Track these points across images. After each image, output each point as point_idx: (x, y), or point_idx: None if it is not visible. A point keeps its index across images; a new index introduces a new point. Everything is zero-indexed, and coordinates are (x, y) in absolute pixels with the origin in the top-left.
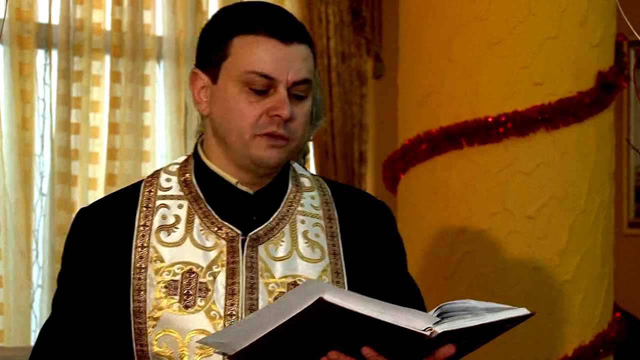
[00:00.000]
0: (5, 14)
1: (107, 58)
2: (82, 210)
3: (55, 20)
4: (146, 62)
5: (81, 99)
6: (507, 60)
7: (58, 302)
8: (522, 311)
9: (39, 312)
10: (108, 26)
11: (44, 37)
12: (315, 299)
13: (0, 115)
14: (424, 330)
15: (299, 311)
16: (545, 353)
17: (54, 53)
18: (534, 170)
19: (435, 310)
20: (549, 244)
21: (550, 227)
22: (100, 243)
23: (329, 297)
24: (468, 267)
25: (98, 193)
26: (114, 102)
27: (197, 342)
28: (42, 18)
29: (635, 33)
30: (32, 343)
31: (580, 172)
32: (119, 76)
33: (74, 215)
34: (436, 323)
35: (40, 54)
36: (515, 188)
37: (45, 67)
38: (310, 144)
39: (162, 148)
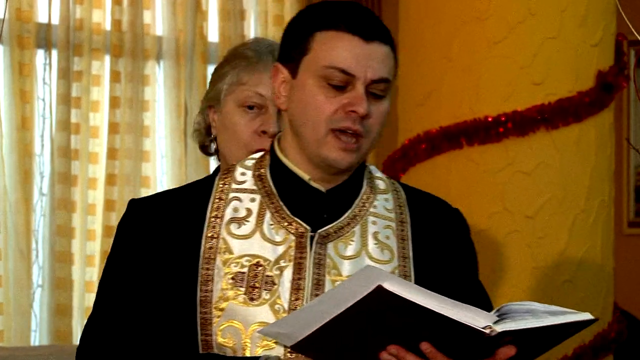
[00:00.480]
0: (5, 14)
1: (107, 58)
2: (138, 200)
3: (55, 20)
4: (146, 62)
5: (81, 98)
6: (507, 60)
7: (113, 293)
8: (586, 316)
9: (39, 312)
10: (108, 26)
11: (44, 37)
12: (375, 287)
13: (0, 115)
14: (484, 328)
15: (358, 299)
16: (546, 353)
17: (54, 53)
18: (533, 170)
19: (496, 311)
20: (549, 244)
21: (550, 227)
22: (170, 233)
23: (388, 286)
24: None
25: (98, 193)
26: (114, 102)
27: (257, 332)
28: (42, 18)
29: (635, 33)
30: (32, 343)
31: (580, 172)
32: (118, 76)
33: (73, 215)
34: (496, 322)
35: (40, 53)
36: (515, 188)
37: (45, 67)
38: None
39: (162, 148)
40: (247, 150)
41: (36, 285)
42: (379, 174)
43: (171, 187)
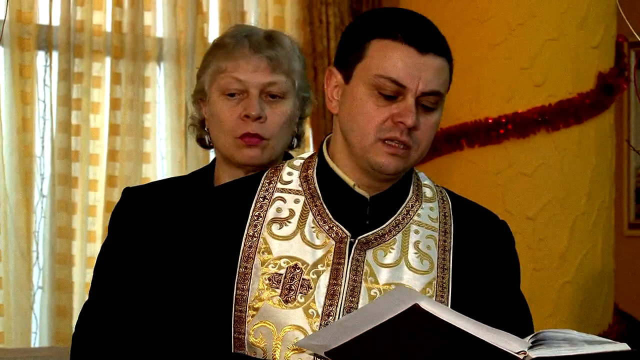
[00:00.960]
0: (5, 16)
1: (108, 59)
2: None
3: (56, 22)
4: (146, 63)
5: (81, 100)
6: (508, 62)
7: (158, 287)
8: (623, 346)
9: (39, 313)
10: (108, 28)
11: (45, 39)
12: (411, 305)
13: (0, 116)
14: (518, 353)
15: (394, 315)
16: None
17: (55, 54)
18: (534, 171)
19: (532, 336)
20: (550, 245)
21: (550, 229)
22: (212, 230)
23: (424, 305)
24: None
25: (98, 195)
26: (115, 104)
27: (294, 344)
28: (43, 19)
29: (636, 34)
30: (32, 345)
31: (581, 174)
32: (119, 78)
33: (74, 217)
34: (531, 348)
35: (41, 55)
36: (515, 189)
37: (45, 68)
38: (310, 132)
39: (163, 149)
40: (232, 136)
41: (36, 287)
42: (427, 181)
43: None
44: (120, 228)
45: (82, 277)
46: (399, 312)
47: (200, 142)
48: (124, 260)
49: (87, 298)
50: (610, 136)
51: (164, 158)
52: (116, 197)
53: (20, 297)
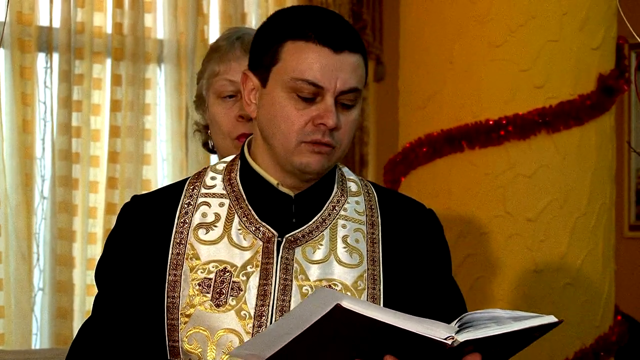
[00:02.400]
0: (6, 17)
1: (108, 61)
2: (129, 202)
3: (56, 24)
4: (147, 65)
5: (82, 102)
6: (508, 63)
7: (99, 298)
8: (550, 319)
9: (40, 315)
10: (109, 29)
11: (45, 40)
12: (333, 306)
13: (1, 118)
14: (445, 338)
15: (318, 318)
16: (547, 356)
17: (55, 56)
18: (534, 173)
19: (458, 320)
20: (550, 247)
21: (551, 230)
22: (142, 237)
23: (347, 304)
24: (469, 270)
25: (99, 196)
26: (115, 105)
27: (229, 354)
28: (43, 21)
29: (636, 36)
30: (33, 346)
31: (581, 175)
32: (119, 79)
33: (74, 219)
34: (458, 332)
35: (41, 57)
36: (516, 191)
37: (46, 70)
38: None
39: (163, 151)
40: (230, 138)
41: (37, 289)
42: (352, 176)
43: None
44: (111, 245)
45: (82, 279)
46: (322, 314)
47: (206, 146)
48: (111, 278)
49: (87, 300)
50: (611, 138)
51: (164, 160)
52: (117, 199)
53: (21, 298)
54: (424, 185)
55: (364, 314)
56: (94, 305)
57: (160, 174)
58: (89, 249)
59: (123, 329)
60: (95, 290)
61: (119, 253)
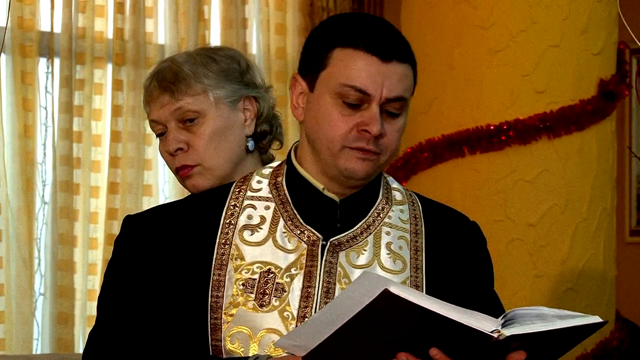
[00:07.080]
0: (7, 23)
1: (109, 66)
2: (134, 216)
3: (58, 29)
4: (148, 70)
5: (83, 107)
6: (509, 69)
7: (120, 304)
8: (595, 319)
9: (41, 320)
10: (110, 34)
11: (46, 46)
12: (381, 291)
13: (2, 123)
14: (492, 332)
15: (365, 305)
16: None
17: (56, 61)
18: (535, 178)
19: (503, 316)
20: (551, 252)
21: (552, 235)
22: (184, 239)
23: (394, 290)
24: None
25: (100, 201)
26: (116, 110)
27: (273, 344)
28: (44, 26)
29: (637, 41)
30: (34, 351)
31: (582, 180)
32: (121, 84)
33: (75, 224)
34: (504, 326)
35: (43, 62)
36: (517, 196)
37: (47, 75)
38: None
39: None
40: (174, 172)
41: (38, 294)
42: (396, 184)
43: (172, 196)
44: (130, 253)
45: (83, 284)
46: (370, 300)
47: None
48: (139, 284)
49: (88, 304)
50: (612, 143)
51: (165, 165)
52: (118, 204)
53: (22, 303)
54: (424, 190)
55: (412, 300)
56: (109, 313)
57: (161, 179)
58: (90, 254)
59: (163, 329)
60: (96, 296)
61: (162, 254)
